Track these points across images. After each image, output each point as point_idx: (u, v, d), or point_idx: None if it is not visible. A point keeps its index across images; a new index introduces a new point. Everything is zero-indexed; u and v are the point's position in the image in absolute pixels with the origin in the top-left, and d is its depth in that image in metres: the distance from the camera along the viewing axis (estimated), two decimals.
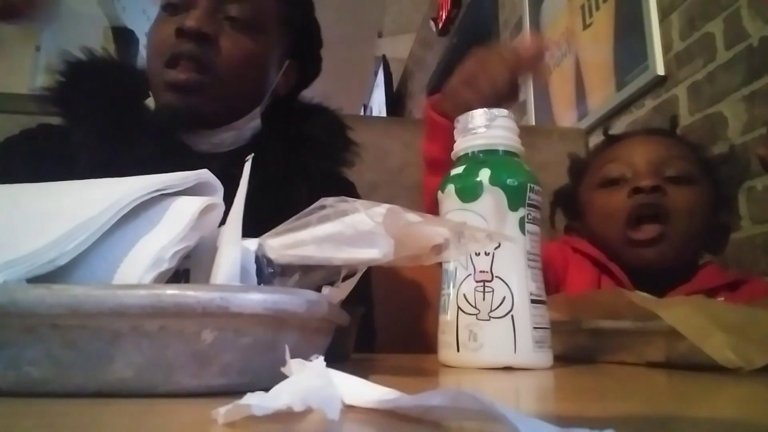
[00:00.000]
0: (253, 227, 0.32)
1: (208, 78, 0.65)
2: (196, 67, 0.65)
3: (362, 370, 0.29)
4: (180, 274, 0.31)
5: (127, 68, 0.74)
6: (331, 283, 0.31)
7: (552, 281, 0.80)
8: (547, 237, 0.84)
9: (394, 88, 4.53)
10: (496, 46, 0.64)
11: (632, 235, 0.77)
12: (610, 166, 0.83)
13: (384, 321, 0.79)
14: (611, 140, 0.90)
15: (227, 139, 0.70)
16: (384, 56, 4.39)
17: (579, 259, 0.84)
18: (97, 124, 0.66)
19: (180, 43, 0.65)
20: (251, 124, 0.72)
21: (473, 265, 0.41)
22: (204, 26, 0.64)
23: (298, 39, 0.76)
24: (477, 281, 0.41)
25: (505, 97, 0.65)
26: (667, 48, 1.28)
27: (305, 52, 0.79)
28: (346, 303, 0.32)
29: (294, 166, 0.70)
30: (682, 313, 0.41)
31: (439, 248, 0.31)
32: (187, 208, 0.30)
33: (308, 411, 0.17)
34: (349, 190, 0.81)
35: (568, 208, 0.92)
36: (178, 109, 0.65)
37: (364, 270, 0.32)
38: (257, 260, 0.31)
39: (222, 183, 0.35)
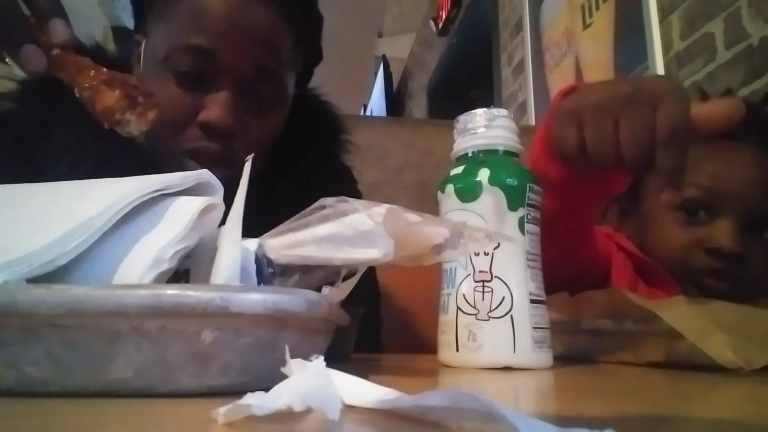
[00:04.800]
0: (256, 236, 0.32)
1: (235, 169, 0.58)
2: (222, 164, 0.56)
3: (362, 370, 0.29)
4: (180, 274, 0.31)
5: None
6: (331, 283, 0.31)
7: (604, 263, 0.68)
8: None
9: (394, 88, 4.53)
10: (669, 81, 0.43)
11: (701, 278, 0.68)
12: (691, 192, 0.67)
13: (383, 321, 0.79)
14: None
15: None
16: (384, 56, 4.39)
17: (621, 258, 0.71)
18: (80, 148, 0.58)
19: (201, 137, 0.57)
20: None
21: (472, 265, 0.41)
22: (233, 125, 0.57)
23: (305, 58, 0.68)
24: (476, 281, 0.41)
25: (643, 164, 0.42)
26: (667, 48, 1.28)
27: (311, 63, 0.71)
28: (353, 296, 0.32)
29: (299, 186, 0.65)
30: (682, 313, 0.41)
31: (439, 248, 0.31)
32: (187, 208, 0.30)
33: (308, 411, 0.17)
34: (347, 178, 0.77)
35: (625, 202, 0.77)
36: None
37: (364, 270, 0.32)
38: (257, 260, 0.31)
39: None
